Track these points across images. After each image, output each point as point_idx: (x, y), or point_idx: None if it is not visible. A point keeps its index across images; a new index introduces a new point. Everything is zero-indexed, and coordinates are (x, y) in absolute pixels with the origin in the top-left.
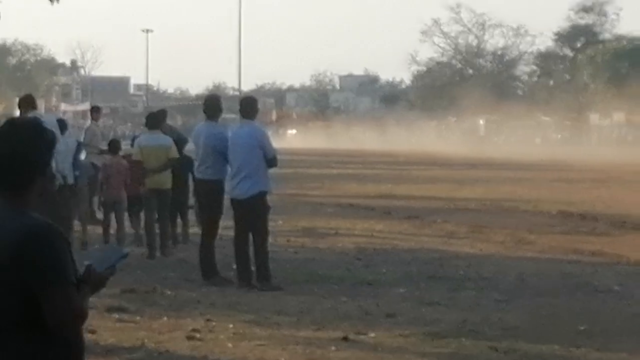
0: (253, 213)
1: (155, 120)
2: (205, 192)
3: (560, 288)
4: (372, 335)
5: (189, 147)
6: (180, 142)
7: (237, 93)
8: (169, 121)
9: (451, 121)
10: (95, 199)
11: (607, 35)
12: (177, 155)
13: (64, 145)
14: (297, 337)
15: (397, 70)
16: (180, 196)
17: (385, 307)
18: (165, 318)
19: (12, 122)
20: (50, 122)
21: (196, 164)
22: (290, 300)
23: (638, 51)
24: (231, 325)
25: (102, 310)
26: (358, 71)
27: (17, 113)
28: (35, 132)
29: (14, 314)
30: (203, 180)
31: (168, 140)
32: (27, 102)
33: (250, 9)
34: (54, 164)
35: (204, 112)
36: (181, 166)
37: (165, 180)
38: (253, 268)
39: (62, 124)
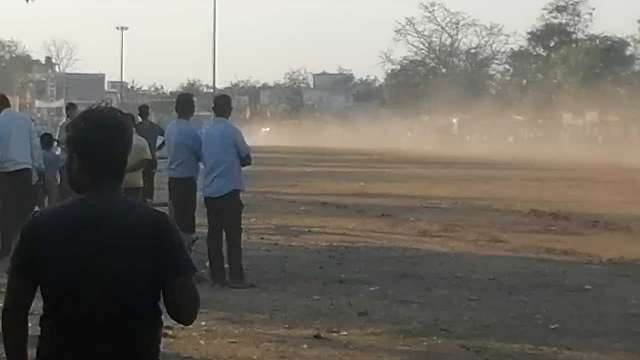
0: (226, 211)
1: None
2: (177, 189)
3: (531, 287)
4: (344, 333)
5: None
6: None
7: (211, 91)
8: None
9: (424, 120)
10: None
11: (580, 35)
12: (150, 157)
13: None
14: (270, 334)
15: (371, 68)
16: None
17: (357, 305)
18: None
19: (103, 111)
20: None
21: (168, 162)
22: (263, 298)
23: (611, 51)
24: (204, 323)
25: None
26: (332, 69)
27: None
28: (126, 121)
29: (145, 299)
30: (175, 178)
31: (142, 142)
32: (0, 102)
33: (225, 6)
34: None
35: (176, 110)
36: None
37: (137, 179)
38: (226, 266)
39: (47, 138)
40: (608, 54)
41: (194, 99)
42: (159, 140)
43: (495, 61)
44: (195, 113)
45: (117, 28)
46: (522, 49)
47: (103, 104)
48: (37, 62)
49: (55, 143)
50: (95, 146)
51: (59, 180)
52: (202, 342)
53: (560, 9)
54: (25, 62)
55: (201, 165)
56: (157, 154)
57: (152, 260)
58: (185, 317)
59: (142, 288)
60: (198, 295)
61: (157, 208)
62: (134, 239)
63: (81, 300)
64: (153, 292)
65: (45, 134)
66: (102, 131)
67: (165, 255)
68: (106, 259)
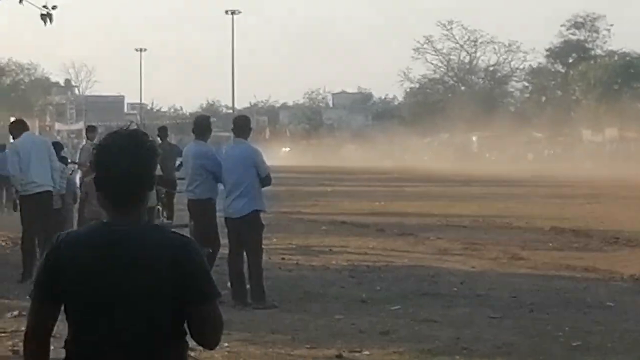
0: (247, 231)
1: None
2: (197, 211)
3: (553, 304)
4: (367, 353)
5: None
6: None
7: (230, 111)
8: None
9: (444, 138)
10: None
11: (598, 51)
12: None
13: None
14: (292, 355)
15: (389, 87)
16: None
17: (379, 325)
18: None
19: (130, 135)
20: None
21: (186, 183)
22: (285, 319)
23: (630, 67)
24: (226, 344)
25: None
26: (351, 89)
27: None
28: (152, 145)
29: (168, 326)
30: (194, 200)
31: None
32: (18, 128)
33: (243, 27)
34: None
35: (193, 131)
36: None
37: (151, 198)
38: (247, 286)
39: (58, 146)
40: (627, 70)
41: (211, 120)
42: (178, 161)
43: (514, 78)
44: (215, 134)
45: (136, 50)
46: (541, 65)
47: (127, 127)
48: (57, 84)
49: (76, 166)
50: (118, 169)
51: (76, 202)
52: None
53: (578, 26)
54: (44, 85)
55: (220, 186)
56: (177, 174)
57: (175, 285)
58: (209, 341)
59: (167, 311)
60: (222, 320)
61: (177, 229)
62: (157, 262)
63: (108, 324)
64: (178, 315)
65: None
66: (124, 154)
67: (189, 280)
68: (130, 283)
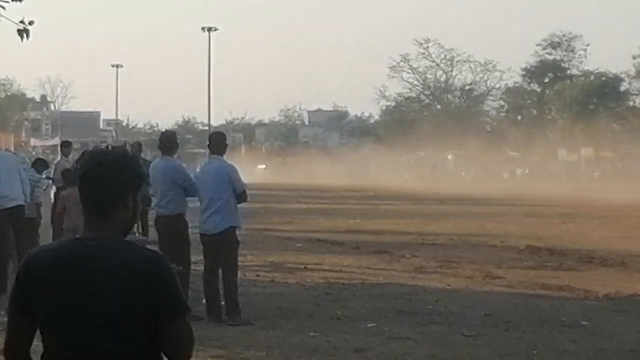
0: (223, 248)
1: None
2: (169, 226)
3: (528, 323)
4: None
5: None
6: None
7: (206, 128)
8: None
9: (419, 156)
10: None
11: (574, 71)
12: None
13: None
14: None
15: (365, 105)
16: None
17: (354, 342)
18: None
19: (103, 151)
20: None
21: (155, 200)
22: (260, 335)
23: (605, 86)
24: None
25: None
26: (327, 106)
27: None
28: (130, 161)
29: (140, 341)
30: (166, 215)
31: None
32: None
33: (219, 44)
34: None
35: (159, 148)
36: None
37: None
38: (222, 303)
39: (43, 164)
40: (602, 90)
41: (186, 137)
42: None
43: (490, 97)
44: (190, 150)
45: (112, 66)
46: (517, 84)
47: (106, 145)
48: (32, 100)
49: (50, 181)
50: (90, 185)
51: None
52: None
53: (554, 45)
54: (20, 100)
55: (192, 202)
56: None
57: (146, 301)
58: (179, 357)
59: (139, 327)
60: (193, 336)
61: (151, 246)
62: (128, 278)
63: (79, 339)
64: (149, 331)
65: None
66: (97, 171)
67: (159, 295)
68: (101, 298)
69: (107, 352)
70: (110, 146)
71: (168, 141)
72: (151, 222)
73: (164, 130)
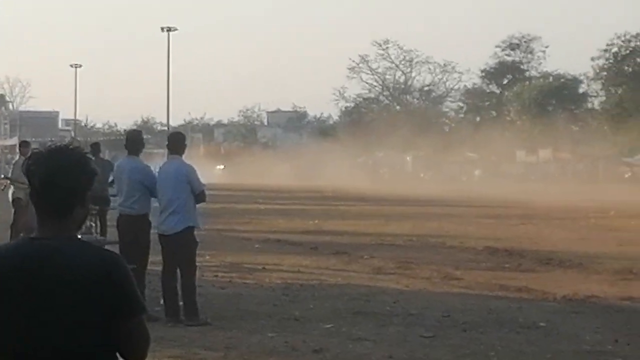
0: (181, 248)
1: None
2: (132, 227)
3: (486, 324)
4: None
5: None
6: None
7: (165, 128)
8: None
9: (378, 157)
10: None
11: (533, 73)
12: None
13: None
14: None
15: (324, 106)
16: None
17: (312, 343)
18: None
19: (55, 149)
20: None
21: (120, 199)
22: (218, 336)
23: (564, 88)
24: None
25: None
26: (286, 107)
27: None
28: (79, 161)
29: (96, 341)
30: (132, 215)
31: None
32: None
33: (179, 44)
34: None
35: (126, 147)
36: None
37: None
38: (181, 303)
39: None
40: (561, 91)
41: (145, 136)
42: (111, 177)
43: (449, 99)
44: (149, 151)
45: (71, 66)
46: (476, 86)
47: (70, 144)
48: None
49: (8, 181)
50: (44, 184)
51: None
52: None
53: (513, 47)
54: None
55: (154, 202)
56: (110, 191)
57: (102, 300)
58: (135, 357)
59: (93, 328)
60: (149, 335)
61: (109, 246)
62: (84, 277)
63: (35, 340)
64: (105, 331)
65: None
66: (51, 170)
67: (116, 295)
68: (57, 298)
69: (63, 351)
70: (72, 140)
71: (134, 140)
72: (110, 223)
73: (129, 129)
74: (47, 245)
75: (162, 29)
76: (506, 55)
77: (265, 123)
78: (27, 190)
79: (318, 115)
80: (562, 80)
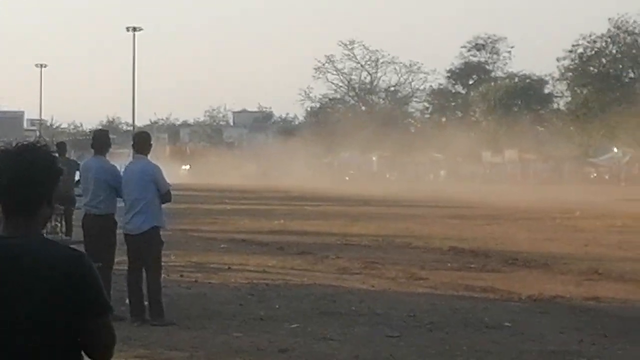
0: (146, 248)
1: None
2: (99, 226)
3: (451, 324)
4: None
5: None
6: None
7: (130, 128)
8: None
9: (344, 157)
10: None
11: (499, 73)
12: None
13: None
14: None
15: (290, 106)
16: None
17: (278, 343)
18: None
19: (23, 147)
20: None
21: (85, 198)
22: (183, 335)
23: (529, 89)
24: None
25: None
26: (252, 107)
27: None
28: (47, 159)
29: (61, 340)
30: (97, 215)
31: None
32: None
33: (144, 44)
34: None
35: (92, 147)
36: None
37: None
38: (146, 303)
39: None
40: (527, 92)
41: (111, 136)
42: (77, 177)
43: (415, 99)
44: (115, 150)
45: (37, 66)
46: (441, 86)
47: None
48: None
49: None
50: (8, 183)
51: None
52: None
53: (479, 47)
54: None
55: (120, 202)
56: (76, 190)
57: (68, 299)
58: (101, 356)
59: (59, 326)
60: (114, 334)
61: (74, 245)
62: (50, 277)
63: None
64: (70, 330)
65: None
66: (20, 168)
67: (82, 294)
68: (22, 297)
69: (29, 350)
70: (38, 140)
71: (100, 140)
72: (76, 222)
73: (96, 129)
74: (13, 244)
75: (128, 28)
76: (472, 55)
77: (231, 123)
78: None
79: (284, 116)
80: (528, 80)
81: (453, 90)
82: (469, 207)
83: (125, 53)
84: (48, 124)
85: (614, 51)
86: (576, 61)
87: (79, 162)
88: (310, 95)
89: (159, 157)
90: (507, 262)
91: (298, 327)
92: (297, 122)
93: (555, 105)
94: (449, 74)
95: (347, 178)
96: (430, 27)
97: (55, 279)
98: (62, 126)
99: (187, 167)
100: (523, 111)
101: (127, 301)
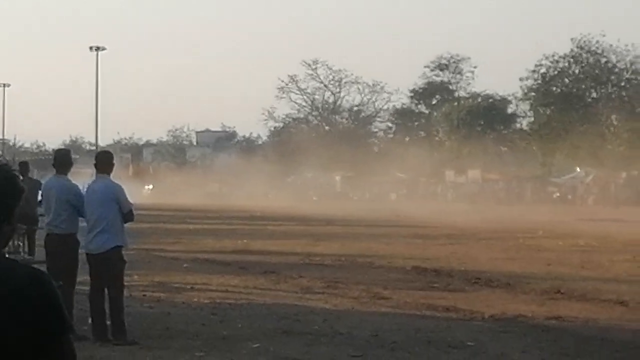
0: (109, 267)
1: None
2: (60, 246)
3: (414, 343)
4: None
5: None
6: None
7: (93, 148)
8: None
9: (307, 177)
10: None
11: (462, 93)
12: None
13: None
14: None
15: (254, 126)
16: None
17: None
18: None
19: None
20: None
21: (47, 218)
22: (146, 355)
23: (492, 109)
24: None
25: None
26: (215, 127)
27: None
28: (8, 178)
29: (18, 359)
30: (59, 234)
31: None
32: None
33: (107, 64)
34: None
35: (54, 166)
36: None
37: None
38: (108, 322)
39: None
40: (490, 112)
41: (74, 156)
42: (40, 197)
43: (378, 119)
44: (77, 170)
45: None
46: (405, 106)
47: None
48: None
49: None
50: None
51: None
52: None
53: (442, 67)
54: None
55: (82, 222)
56: (38, 210)
57: (29, 318)
58: None
59: (20, 346)
60: (75, 354)
61: (37, 265)
62: (10, 296)
63: None
64: (31, 349)
65: None
66: None
67: (42, 314)
68: None
69: None
70: (0, 158)
71: (62, 159)
72: (38, 242)
73: (58, 148)
74: None
75: (91, 48)
76: (435, 75)
77: (194, 143)
78: None
79: (247, 135)
80: (491, 100)
81: (416, 110)
82: (431, 226)
83: (88, 72)
84: (11, 143)
85: (576, 71)
86: (539, 81)
87: (41, 182)
88: (274, 115)
89: (122, 176)
90: (470, 282)
91: (260, 347)
92: (260, 142)
93: (518, 125)
94: (412, 94)
95: (315, 198)
96: (393, 46)
97: (14, 298)
98: (25, 146)
99: (150, 186)
100: (486, 131)
101: (90, 321)
